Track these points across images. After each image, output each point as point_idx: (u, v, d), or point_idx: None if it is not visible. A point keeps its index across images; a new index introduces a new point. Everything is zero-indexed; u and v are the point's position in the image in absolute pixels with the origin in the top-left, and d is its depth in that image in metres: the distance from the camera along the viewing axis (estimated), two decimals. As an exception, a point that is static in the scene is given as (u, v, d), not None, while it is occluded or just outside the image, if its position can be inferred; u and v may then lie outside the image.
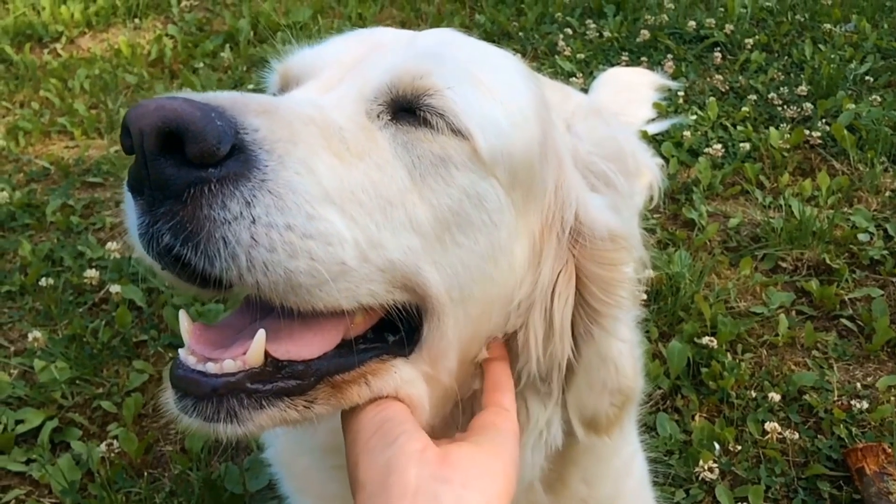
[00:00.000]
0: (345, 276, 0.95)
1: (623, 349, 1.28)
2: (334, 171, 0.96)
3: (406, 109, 1.07)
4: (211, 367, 0.94)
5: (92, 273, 2.99)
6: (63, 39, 5.46)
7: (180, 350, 0.99)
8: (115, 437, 2.37)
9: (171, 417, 0.99)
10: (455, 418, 1.23)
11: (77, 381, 2.57)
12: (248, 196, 0.88)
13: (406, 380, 1.08)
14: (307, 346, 0.99)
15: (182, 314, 1.03)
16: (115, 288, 2.90)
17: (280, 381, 0.97)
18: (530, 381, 1.25)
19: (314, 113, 1.01)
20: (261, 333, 0.95)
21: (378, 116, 1.06)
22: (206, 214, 0.87)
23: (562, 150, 1.26)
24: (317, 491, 1.52)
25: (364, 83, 1.09)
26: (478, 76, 1.12)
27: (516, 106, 1.16)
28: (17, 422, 2.42)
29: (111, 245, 3.15)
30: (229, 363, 0.94)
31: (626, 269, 1.22)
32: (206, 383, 0.94)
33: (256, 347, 0.95)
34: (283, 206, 0.90)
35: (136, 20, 5.73)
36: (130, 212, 0.94)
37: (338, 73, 1.13)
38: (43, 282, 2.96)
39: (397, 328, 1.09)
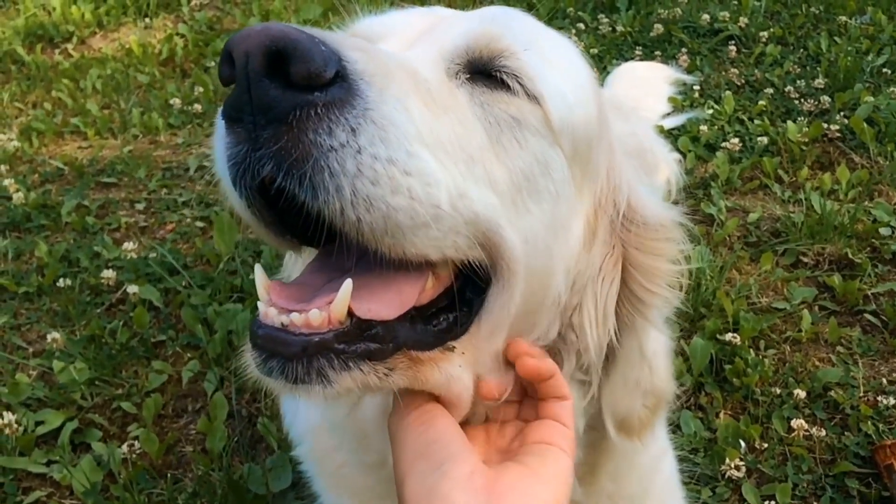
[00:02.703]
0: (438, 222, 0.93)
1: (659, 349, 1.29)
2: (424, 116, 0.95)
3: (481, 72, 1.07)
4: (296, 317, 0.92)
5: (109, 273, 2.98)
6: (74, 40, 5.46)
7: (259, 304, 0.97)
8: (136, 437, 2.36)
9: (254, 378, 0.96)
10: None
11: (96, 382, 2.56)
12: (354, 123, 0.86)
13: (460, 374, 1.07)
14: (386, 305, 0.97)
15: (258, 269, 1.01)
16: (132, 288, 2.89)
17: (362, 343, 0.95)
18: (574, 370, 1.24)
19: (403, 61, 1.01)
20: (348, 284, 0.93)
21: (456, 75, 1.07)
22: (311, 140, 0.84)
23: (612, 135, 1.26)
24: (352, 486, 1.50)
25: (441, 45, 1.09)
26: (544, 50, 1.13)
27: (578, 81, 1.17)
28: (37, 423, 2.41)
29: (127, 245, 3.14)
30: (315, 313, 0.92)
31: (672, 260, 1.22)
32: (295, 342, 0.91)
33: (343, 297, 0.92)
34: (386, 139, 0.88)
35: (147, 19, 5.73)
36: (220, 143, 0.92)
37: (407, 39, 1.13)
38: (60, 283, 2.96)
39: (453, 307, 1.08)
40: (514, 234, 1.05)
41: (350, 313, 0.94)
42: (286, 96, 0.84)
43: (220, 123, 0.92)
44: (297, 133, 0.84)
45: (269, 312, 0.94)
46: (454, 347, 1.07)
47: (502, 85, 1.06)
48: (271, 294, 0.97)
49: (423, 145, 0.92)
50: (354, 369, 0.94)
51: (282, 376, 0.92)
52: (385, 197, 0.88)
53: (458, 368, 1.06)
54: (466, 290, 1.08)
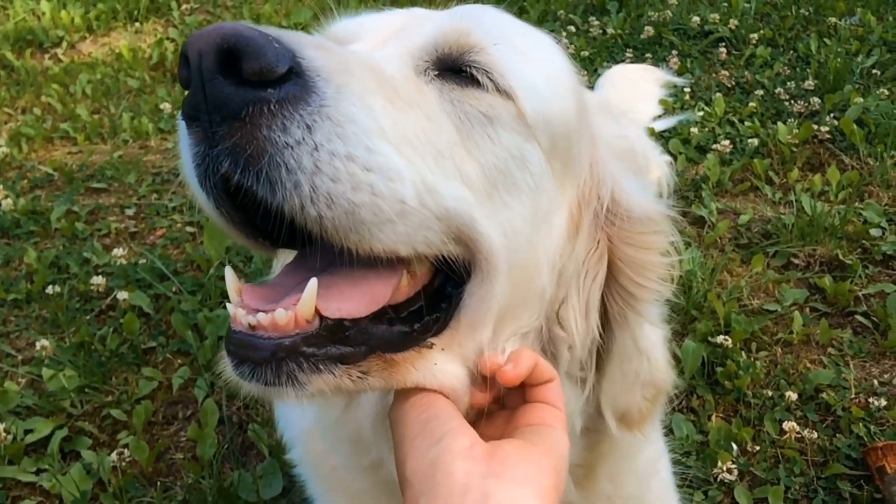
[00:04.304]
0: (405, 217, 0.93)
1: (655, 340, 1.29)
2: (388, 112, 0.94)
3: (451, 68, 1.07)
4: (263, 317, 0.92)
5: (98, 280, 2.96)
6: (64, 44, 5.44)
7: (229, 306, 0.97)
8: (126, 445, 2.35)
9: (232, 384, 0.97)
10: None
11: (86, 390, 2.55)
12: (308, 120, 0.86)
13: (445, 369, 1.07)
14: (356, 303, 0.98)
15: (228, 271, 1.01)
16: (122, 294, 2.88)
17: (333, 346, 0.95)
18: (567, 365, 1.23)
19: (366, 59, 1.01)
20: (313, 282, 0.93)
21: (425, 72, 1.06)
22: (265, 136, 0.85)
23: (595, 128, 1.25)
24: (347, 488, 1.49)
25: (410, 43, 1.09)
26: (518, 44, 1.13)
27: (555, 75, 1.16)
28: (27, 431, 2.40)
29: (117, 251, 3.12)
30: (281, 313, 0.92)
31: (661, 253, 1.22)
32: (264, 346, 0.92)
33: (308, 297, 0.93)
34: (344, 135, 0.88)
35: (137, 24, 5.71)
36: (185, 144, 0.92)
37: (381, 38, 1.13)
38: (49, 289, 2.94)
39: (435, 305, 1.07)
40: (492, 228, 1.04)
41: (320, 315, 0.94)
42: (239, 93, 0.84)
43: (181, 124, 0.92)
44: (250, 129, 0.85)
45: (238, 314, 0.94)
46: (433, 345, 1.06)
47: (472, 80, 1.06)
48: (243, 295, 0.98)
49: (385, 141, 0.92)
50: (325, 372, 0.95)
51: (254, 380, 0.93)
52: (346, 193, 0.88)
53: (436, 366, 1.06)
54: (447, 287, 1.08)
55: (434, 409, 1.03)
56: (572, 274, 1.19)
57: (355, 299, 0.98)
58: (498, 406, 1.18)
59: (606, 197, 1.21)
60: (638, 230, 1.21)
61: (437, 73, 1.06)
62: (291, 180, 0.85)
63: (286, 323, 0.92)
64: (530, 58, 1.12)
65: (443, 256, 1.02)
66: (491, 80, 1.05)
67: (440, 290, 1.08)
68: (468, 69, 1.05)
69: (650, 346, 1.26)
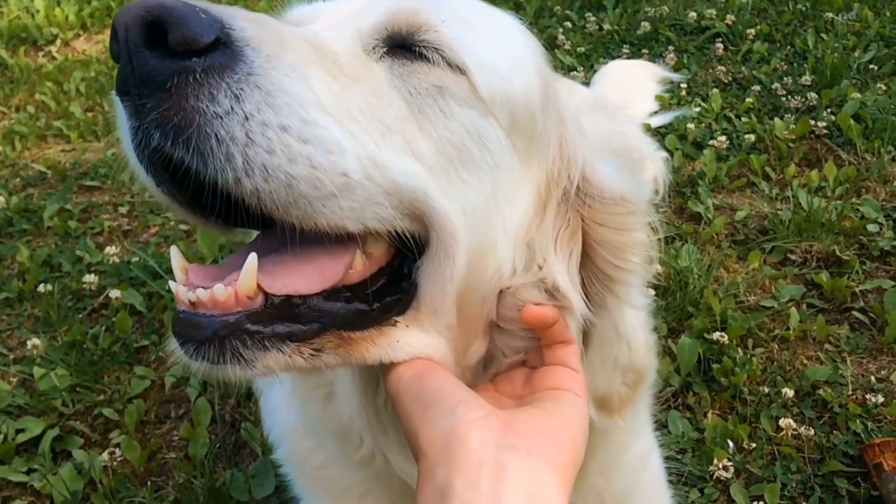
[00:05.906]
0: (350, 192, 0.92)
1: (636, 324, 1.26)
2: (328, 85, 0.93)
3: (402, 46, 1.05)
4: (202, 293, 0.91)
5: (91, 278, 2.95)
6: (58, 42, 5.43)
7: (171, 283, 0.96)
8: (118, 444, 2.33)
9: (181, 363, 0.96)
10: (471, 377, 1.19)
11: (78, 389, 2.53)
12: (236, 89, 0.85)
13: (412, 342, 1.05)
14: (305, 280, 0.96)
15: (174, 249, 0.99)
16: (114, 293, 2.86)
17: (280, 323, 0.94)
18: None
19: (308, 34, 0.99)
20: (252, 257, 0.91)
21: (374, 49, 1.05)
22: (192, 106, 0.84)
23: (563, 108, 1.23)
24: (333, 486, 1.47)
25: (361, 23, 1.07)
26: (474, 23, 1.11)
27: (514, 53, 1.14)
28: (18, 431, 2.38)
29: (110, 249, 3.11)
30: (220, 288, 0.90)
31: (638, 234, 1.19)
32: (207, 324, 0.91)
33: (248, 272, 0.91)
34: (275, 105, 0.87)
35: (132, 21, 5.68)
36: (122, 120, 0.91)
37: (335, 20, 1.11)
38: (41, 288, 2.92)
39: (395, 286, 1.06)
40: (450, 204, 1.02)
41: (266, 294, 0.93)
42: (165, 64, 0.83)
43: (116, 100, 0.91)
44: (176, 99, 0.83)
45: (179, 291, 0.93)
46: (397, 322, 1.05)
47: (423, 58, 1.04)
48: (189, 274, 0.96)
49: (323, 113, 0.90)
50: (272, 350, 0.93)
51: (199, 358, 0.92)
52: (282, 166, 0.86)
53: (398, 342, 1.05)
54: (409, 268, 1.06)
55: (438, 378, 1.02)
56: (546, 247, 1.16)
57: (304, 275, 0.96)
58: (517, 364, 1.17)
59: (577, 177, 1.18)
60: (611, 211, 1.18)
61: (385, 49, 1.05)
62: (223, 151, 0.84)
63: (226, 299, 0.91)
64: (486, 35, 1.10)
65: (398, 234, 1.00)
66: (442, 56, 1.04)
67: (400, 270, 1.06)
68: (418, 48, 1.04)
69: (630, 330, 1.24)
